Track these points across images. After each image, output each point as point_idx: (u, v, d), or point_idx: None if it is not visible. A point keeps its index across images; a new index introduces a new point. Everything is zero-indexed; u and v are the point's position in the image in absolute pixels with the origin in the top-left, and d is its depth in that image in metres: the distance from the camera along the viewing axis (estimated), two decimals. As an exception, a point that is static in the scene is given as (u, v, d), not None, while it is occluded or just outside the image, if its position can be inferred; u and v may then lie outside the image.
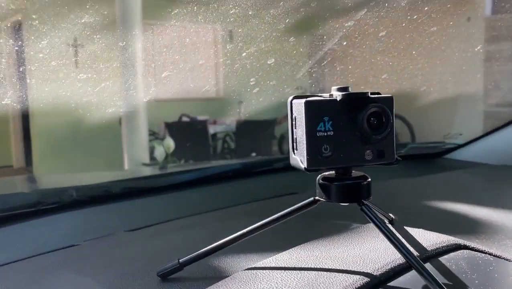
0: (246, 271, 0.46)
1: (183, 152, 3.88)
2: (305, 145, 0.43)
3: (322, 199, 0.46)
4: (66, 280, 0.55)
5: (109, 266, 0.57)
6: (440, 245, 0.52)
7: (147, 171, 2.59)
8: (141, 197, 0.93)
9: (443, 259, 0.50)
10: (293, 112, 0.45)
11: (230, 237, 0.48)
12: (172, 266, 0.48)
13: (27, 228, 0.74)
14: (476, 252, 0.53)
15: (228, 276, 0.46)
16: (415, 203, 0.91)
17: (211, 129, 4.50)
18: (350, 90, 0.44)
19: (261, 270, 0.46)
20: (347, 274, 0.44)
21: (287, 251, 0.50)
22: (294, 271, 0.45)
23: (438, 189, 1.04)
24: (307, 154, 0.43)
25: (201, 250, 0.48)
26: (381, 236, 0.52)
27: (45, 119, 4.33)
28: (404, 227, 0.59)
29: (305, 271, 0.45)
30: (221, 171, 1.12)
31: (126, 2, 3.30)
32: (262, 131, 4.49)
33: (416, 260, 0.42)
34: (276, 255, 0.49)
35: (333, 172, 0.46)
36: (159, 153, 3.45)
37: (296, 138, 0.44)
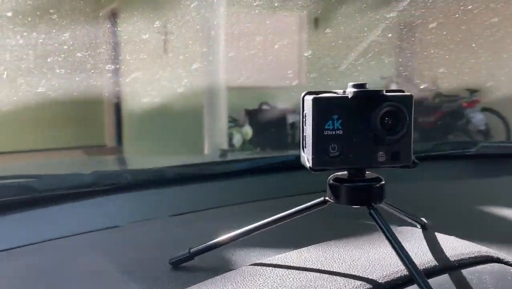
0: (251, 266, 0.46)
1: (260, 140, 3.92)
2: (311, 144, 0.42)
3: (331, 200, 0.45)
4: (88, 262, 0.58)
5: (131, 251, 0.60)
6: (467, 256, 0.49)
7: (222, 157, 2.65)
8: (193, 183, 0.96)
9: (467, 271, 0.47)
10: (304, 109, 0.44)
11: (240, 231, 0.48)
12: (182, 255, 0.50)
13: (79, 207, 0.80)
14: (509, 267, 0.49)
15: (235, 269, 0.46)
16: (475, 206, 0.85)
17: (290, 118, 4.50)
18: (367, 88, 0.43)
19: (266, 267, 0.46)
20: (350, 279, 0.42)
21: (296, 250, 0.49)
22: (297, 271, 0.44)
23: (508, 193, 0.97)
24: (313, 153, 0.42)
25: (212, 241, 0.49)
26: None
27: (135, 102, 4.58)
28: (436, 233, 0.56)
29: (308, 272, 0.44)
30: (275, 162, 1.12)
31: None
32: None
33: (419, 272, 0.40)
34: (285, 253, 0.48)
35: (346, 172, 0.45)
36: (237, 139, 3.53)
37: (305, 136, 0.44)
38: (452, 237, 0.54)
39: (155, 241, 0.64)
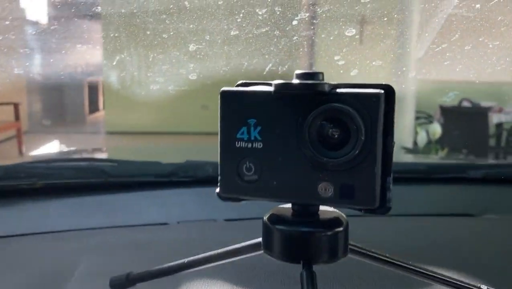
0: None
1: (452, 141, 3.49)
2: (219, 159, 0.29)
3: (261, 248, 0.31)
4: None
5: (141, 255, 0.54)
6: None
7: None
8: None
9: None
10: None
11: (179, 262, 0.38)
12: (120, 278, 0.41)
13: (147, 197, 0.78)
14: None
15: None
16: None
17: (495, 118, 3.89)
18: (319, 79, 0.28)
19: None
20: None
21: None
22: None
23: None
24: (220, 174, 0.29)
25: (153, 269, 0.40)
26: None
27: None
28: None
29: None
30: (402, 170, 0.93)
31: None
32: None
33: None
34: None
35: (289, 206, 0.30)
36: (421, 138, 3.20)
37: None
38: None
39: (170, 246, 0.57)
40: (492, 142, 3.97)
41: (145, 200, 0.77)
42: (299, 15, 0.86)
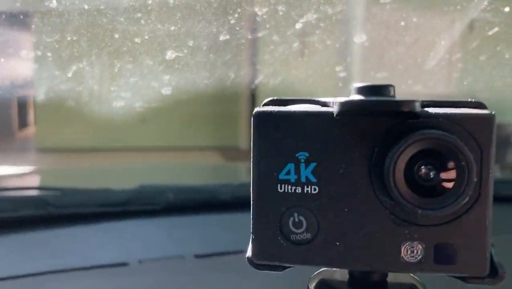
0: None
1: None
2: (251, 211, 0.20)
3: None
4: None
5: None
6: None
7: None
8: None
9: None
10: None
11: None
12: None
13: (97, 232, 0.67)
14: None
15: None
16: None
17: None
18: (390, 94, 0.20)
19: None
20: None
21: None
22: None
23: None
24: (253, 231, 0.20)
25: None
26: None
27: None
28: None
29: None
30: None
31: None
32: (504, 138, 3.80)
33: None
34: None
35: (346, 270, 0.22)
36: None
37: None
38: None
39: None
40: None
41: (97, 235, 0.66)
42: (305, 16, 0.75)
